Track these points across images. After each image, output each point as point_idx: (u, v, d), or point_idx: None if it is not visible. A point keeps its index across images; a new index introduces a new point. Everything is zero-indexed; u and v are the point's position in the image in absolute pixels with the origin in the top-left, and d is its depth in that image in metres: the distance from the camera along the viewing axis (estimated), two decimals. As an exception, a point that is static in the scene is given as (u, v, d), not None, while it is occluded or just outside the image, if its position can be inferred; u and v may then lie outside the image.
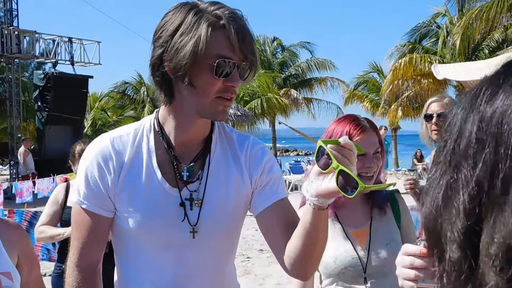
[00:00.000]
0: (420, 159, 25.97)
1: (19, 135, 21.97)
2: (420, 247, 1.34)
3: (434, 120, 3.70)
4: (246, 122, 25.16)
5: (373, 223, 2.46)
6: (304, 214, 1.64)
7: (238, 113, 22.06)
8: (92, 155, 1.80)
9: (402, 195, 2.62)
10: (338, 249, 2.40)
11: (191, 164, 1.82)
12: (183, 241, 1.79)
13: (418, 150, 26.18)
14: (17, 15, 21.28)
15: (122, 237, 1.84)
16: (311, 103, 36.89)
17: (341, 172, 1.46)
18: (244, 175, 1.86)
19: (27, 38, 21.26)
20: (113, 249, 1.91)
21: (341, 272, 2.36)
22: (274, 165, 1.91)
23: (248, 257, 9.20)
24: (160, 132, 1.83)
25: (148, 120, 1.87)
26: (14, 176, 20.63)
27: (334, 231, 2.41)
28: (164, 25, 1.69)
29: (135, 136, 1.82)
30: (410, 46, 28.68)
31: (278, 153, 44.33)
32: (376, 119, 30.56)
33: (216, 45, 1.63)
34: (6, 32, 20.08)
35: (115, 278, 1.94)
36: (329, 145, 1.50)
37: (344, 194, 1.48)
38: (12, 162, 21.40)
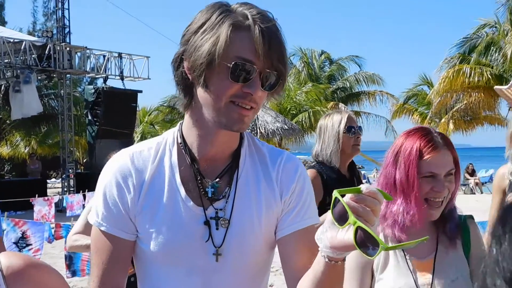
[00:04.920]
0: (472, 173, 25.38)
1: (70, 149, 22.38)
2: None
3: (356, 133, 3.77)
4: (293, 136, 25.06)
5: (438, 255, 2.18)
6: (316, 263, 1.47)
7: (285, 126, 22.00)
8: (110, 173, 1.66)
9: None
10: (397, 281, 2.15)
11: (217, 180, 1.66)
12: (207, 265, 1.63)
13: (470, 164, 25.62)
14: (69, 32, 21.84)
15: (144, 262, 1.69)
16: (359, 117, 36.68)
17: (360, 228, 1.28)
18: (276, 194, 1.69)
19: (79, 54, 21.70)
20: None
21: None
22: (306, 184, 1.73)
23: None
24: (183, 145, 1.68)
25: (171, 133, 1.74)
26: (65, 190, 21.04)
27: (394, 258, 2.19)
28: (190, 24, 1.58)
29: (157, 151, 1.69)
30: (460, 57, 28.07)
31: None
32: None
33: (237, 47, 1.49)
34: (58, 48, 20.53)
35: None
36: (348, 195, 1.32)
37: (364, 254, 1.28)
38: (64, 176, 21.83)
